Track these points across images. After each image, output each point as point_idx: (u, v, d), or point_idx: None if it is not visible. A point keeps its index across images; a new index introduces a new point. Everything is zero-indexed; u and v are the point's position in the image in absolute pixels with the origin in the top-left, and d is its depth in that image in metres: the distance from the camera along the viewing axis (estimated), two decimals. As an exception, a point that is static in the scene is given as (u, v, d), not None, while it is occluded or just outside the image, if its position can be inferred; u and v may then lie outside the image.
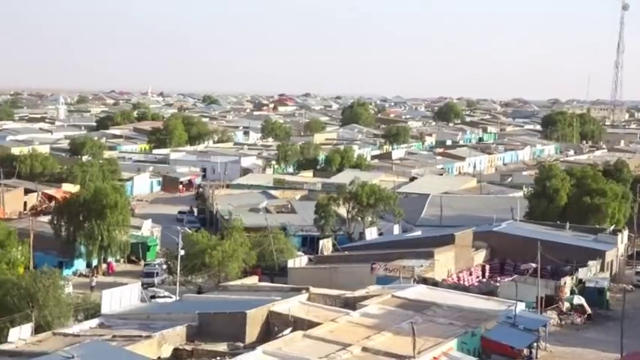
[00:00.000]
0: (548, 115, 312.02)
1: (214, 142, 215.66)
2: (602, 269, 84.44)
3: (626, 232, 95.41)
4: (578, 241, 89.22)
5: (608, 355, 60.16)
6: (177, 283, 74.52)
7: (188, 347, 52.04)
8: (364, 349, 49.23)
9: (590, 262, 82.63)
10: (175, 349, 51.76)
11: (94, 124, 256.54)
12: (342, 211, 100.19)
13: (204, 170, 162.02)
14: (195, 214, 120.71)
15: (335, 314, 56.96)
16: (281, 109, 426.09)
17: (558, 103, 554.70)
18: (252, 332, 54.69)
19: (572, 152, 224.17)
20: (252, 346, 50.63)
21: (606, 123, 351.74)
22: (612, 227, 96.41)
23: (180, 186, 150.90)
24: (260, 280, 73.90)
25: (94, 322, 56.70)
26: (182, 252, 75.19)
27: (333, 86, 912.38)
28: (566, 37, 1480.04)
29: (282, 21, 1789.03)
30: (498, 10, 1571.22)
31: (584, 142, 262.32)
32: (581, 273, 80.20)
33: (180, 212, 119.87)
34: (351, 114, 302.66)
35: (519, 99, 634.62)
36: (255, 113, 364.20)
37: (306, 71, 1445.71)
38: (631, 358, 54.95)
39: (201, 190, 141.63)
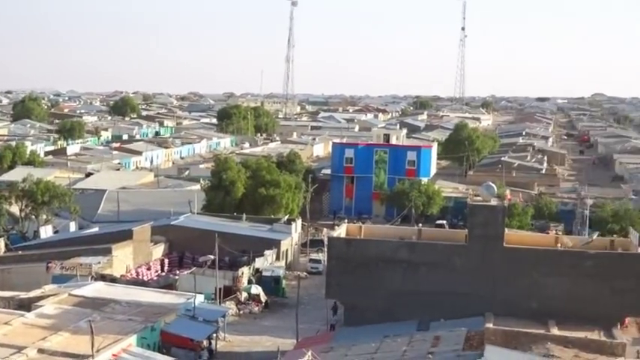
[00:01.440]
0: (223, 108, 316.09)
1: None
2: (277, 258, 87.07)
3: (299, 221, 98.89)
4: (255, 231, 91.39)
5: (285, 340, 62.06)
6: None
7: None
8: (40, 351, 47.78)
9: (267, 252, 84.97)
10: None
11: None
12: (15, 209, 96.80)
13: None
14: None
15: (8, 317, 54.85)
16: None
17: (233, 96, 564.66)
18: None
19: (247, 145, 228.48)
20: None
21: (279, 116, 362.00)
22: (286, 217, 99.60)
23: None
24: None
25: None
26: None
27: (2, 80, 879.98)
28: (240, 32, 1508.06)
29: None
30: (172, 7, 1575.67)
31: (259, 134, 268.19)
32: (258, 263, 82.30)
33: None
34: (22, 109, 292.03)
35: (195, 93, 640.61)
36: None
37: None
38: (305, 342, 56.92)
39: None
